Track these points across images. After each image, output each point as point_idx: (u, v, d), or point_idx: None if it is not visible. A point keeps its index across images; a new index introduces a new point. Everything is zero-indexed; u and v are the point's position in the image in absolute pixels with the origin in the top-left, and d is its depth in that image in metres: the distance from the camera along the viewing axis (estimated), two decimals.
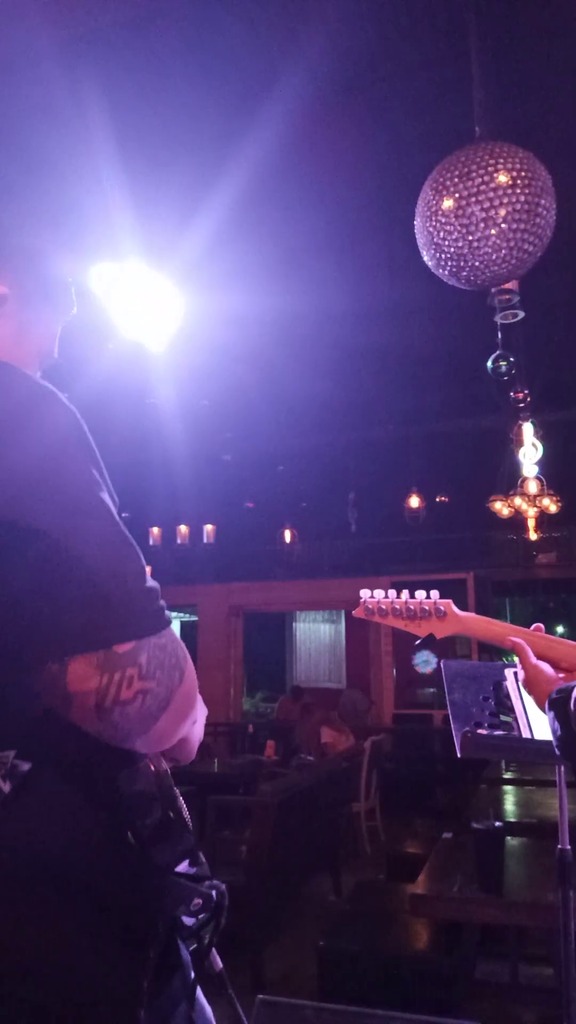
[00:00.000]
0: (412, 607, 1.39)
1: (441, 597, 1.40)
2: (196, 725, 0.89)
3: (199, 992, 0.86)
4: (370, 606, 1.42)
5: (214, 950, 0.88)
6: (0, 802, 0.73)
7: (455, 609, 1.40)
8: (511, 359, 3.90)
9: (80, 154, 3.12)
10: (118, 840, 0.77)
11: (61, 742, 0.77)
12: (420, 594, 1.40)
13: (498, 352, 3.86)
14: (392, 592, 1.42)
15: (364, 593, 1.43)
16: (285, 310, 4.38)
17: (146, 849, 0.78)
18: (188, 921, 0.82)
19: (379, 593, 1.42)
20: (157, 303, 3.68)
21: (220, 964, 0.90)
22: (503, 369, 3.88)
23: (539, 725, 1.54)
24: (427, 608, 1.39)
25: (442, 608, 1.39)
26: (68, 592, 0.74)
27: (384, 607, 1.41)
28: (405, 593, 1.41)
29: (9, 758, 0.74)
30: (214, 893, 0.82)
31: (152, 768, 0.83)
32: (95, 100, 2.88)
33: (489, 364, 3.90)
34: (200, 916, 0.82)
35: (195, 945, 0.84)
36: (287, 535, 8.69)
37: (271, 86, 2.84)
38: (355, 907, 3.53)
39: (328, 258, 4.18)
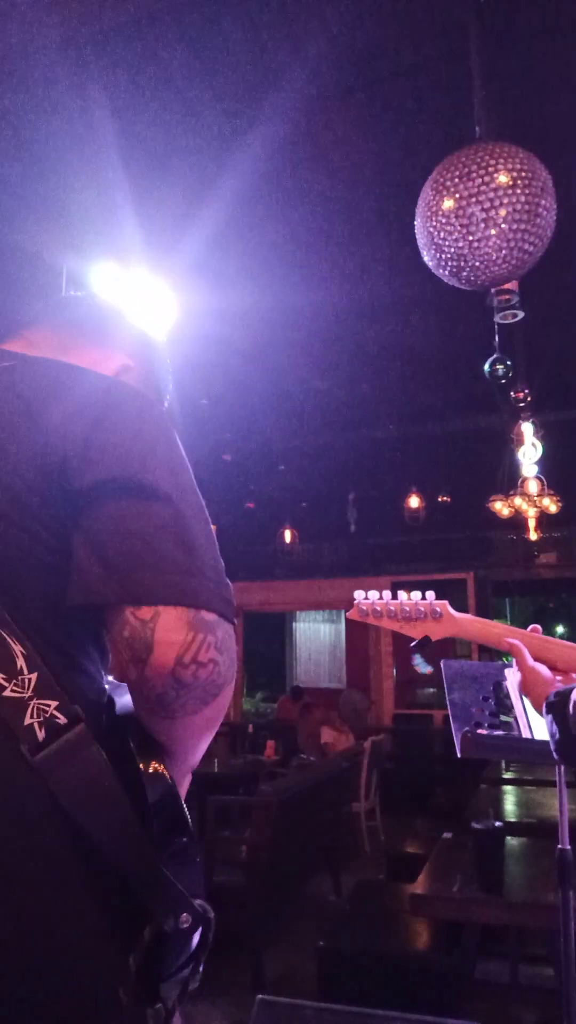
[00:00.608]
0: (407, 608, 1.38)
1: (441, 597, 1.39)
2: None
3: None
4: (364, 607, 1.40)
5: (178, 1017, 0.86)
6: (30, 746, 0.74)
7: (451, 610, 1.38)
8: (508, 362, 3.88)
9: (80, 154, 3.12)
10: (130, 817, 0.77)
11: (99, 713, 0.82)
12: (416, 595, 1.38)
13: (495, 356, 3.84)
14: (387, 593, 1.40)
15: (358, 594, 1.41)
16: (285, 310, 4.38)
17: (154, 843, 0.79)
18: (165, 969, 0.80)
19: (373, 594, 1.40)
20: (157, 302, 3.68)
21: None
22: (500, 372, 3.87)
23: (539, 725, 1.54)
24: (422, 609, 1.37)
25: (438, 609, 1.37)
26: (179, 554, 0.82)
27: (378, 608, 1.39)
28: (401, 594, 1.40)
29: (50, 708, 0.76)
30: (204, 915, 0.80)
31: (169, 779, 0.84)
32: (95, 100, 2.88)
33: (486, 367, 3.89)
34: (181, 957, 0.80)
35: (159, 1005, 0.82)
36: (287, 535, 8.69)
37: (271, 86, 2.84)
38: (355, 907, 3.53)
39: (328, 258, 4.17)
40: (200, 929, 0.79)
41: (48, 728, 0.75)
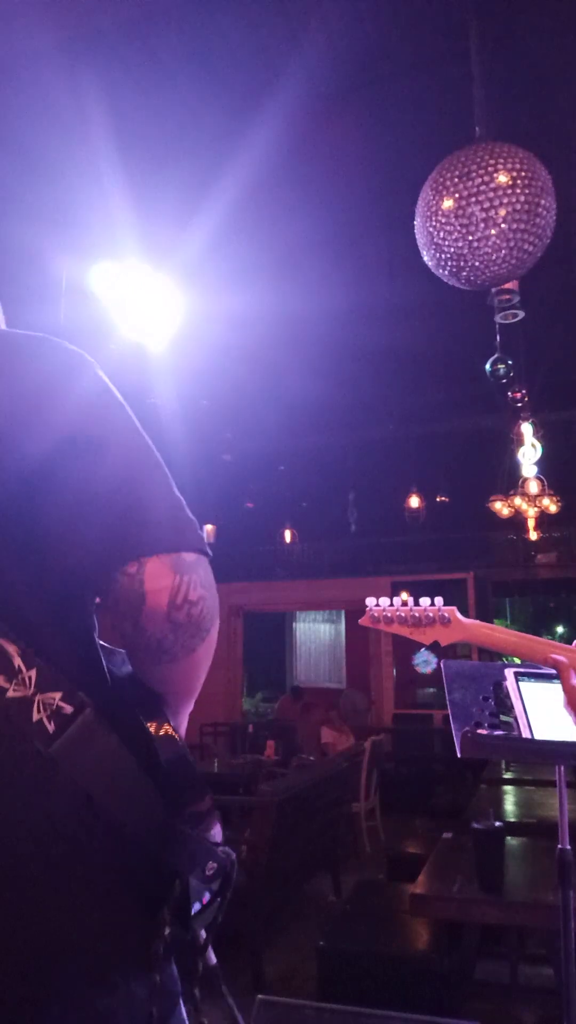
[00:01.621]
0: (417, 614, 1.40)
1: (441, 597, 1.41)
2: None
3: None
4: (376, 614, 1.43)
5: (211, 952, 0.89)
6: (43, 740, 0.76)
7: (459, 616, 1.40)
8: (508, 362, 3.89)
9: (80, 154, 3.12)
10: (147, 788, 0.80)
11: (102, 687, 0.83)
12: (424, 601, 1.41)
13: (496, 355, 3.85)
14: (397, 600, 1.43)
15: (370, 601, 1.43)
16: (285, 310, 4.38)
17: (170, 802, 0.81)
18: (194, 908, 0.83)
19: (384, 601, 1.43)
20: (157, 303, 3.68)
21: (214, 959, 0.91)
22: (501, 372, 3.87)
23: (539, 725, 1.54)
24: (432, 615, 1.40)
25: (446, 615, 1.39)
26: (143, 503, 0.84)
27: (390, 615, 1.42)
28: (410, 600, 1.42)
29: (55, 700, 0.78)
30: (227, 860, 0.84)
31: (176, 736, 0.87)
32: (95, 100, 2.88)
33: (487, 367, 3.89)
34: (207, 894, 0.83)
35: (189, 935, 0.85)
36: (287, 535, 8.68)
37: (271, 86, 2.84)
38: (355, 907, 3.53)
39: (328, 258, 4.17)
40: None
41: (57, 719, 0.77)
